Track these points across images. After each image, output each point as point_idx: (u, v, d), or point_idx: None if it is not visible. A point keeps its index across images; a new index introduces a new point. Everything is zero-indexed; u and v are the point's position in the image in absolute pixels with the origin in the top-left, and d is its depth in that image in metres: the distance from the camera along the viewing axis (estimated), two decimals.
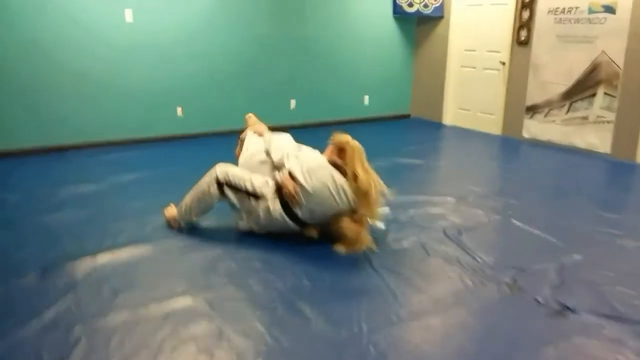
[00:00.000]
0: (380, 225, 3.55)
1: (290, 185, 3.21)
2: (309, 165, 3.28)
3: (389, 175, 5.08)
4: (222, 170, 3.42)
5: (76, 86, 5.83)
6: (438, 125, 7.76)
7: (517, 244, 3.53)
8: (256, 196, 3.33)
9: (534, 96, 6.49)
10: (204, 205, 3.51)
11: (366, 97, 7.87)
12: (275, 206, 3.27)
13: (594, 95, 5.88)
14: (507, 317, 2.62)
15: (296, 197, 3.19)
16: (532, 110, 6.53)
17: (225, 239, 3.48)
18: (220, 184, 3.38)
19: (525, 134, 6.65)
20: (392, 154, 5.92)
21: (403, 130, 7.63)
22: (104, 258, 3.19)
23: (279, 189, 3.28)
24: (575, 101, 6.04)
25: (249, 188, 3.34)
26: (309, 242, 3.38)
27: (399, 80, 8.12)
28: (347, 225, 3.20)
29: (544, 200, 4.45)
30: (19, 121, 5.64)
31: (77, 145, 5.97)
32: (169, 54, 6.26)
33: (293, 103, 7.27)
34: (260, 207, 3.32)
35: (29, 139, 5.72)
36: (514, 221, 3.88)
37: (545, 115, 6.40)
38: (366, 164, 3.32)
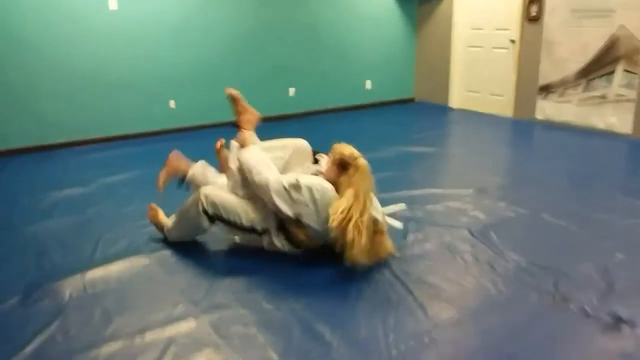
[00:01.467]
0: (398, 224, 3.21)
1: (302, 236, 2.81)
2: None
3: (399, 166, 4.80)
4: (210, 201, 2.88)
5: (59, 80, 5.45)
6: (444, 109, 7.41)
7: (551, 241, 3.20)
8: (255, 231, 2.90)
9: (547, 75, 6.13)
10: (194, 234, 3.15)
11: (368, 82, 7.49)
12: (280, 243, 2.88)
13: (612, 72, 5.53)
14: (553, 332, 2.30)
15: (307, 242, 2.83)
16: (546, 90, 6.18)
17: (228, 249, 3.15)
18: (210, 217, 2.94)
19: (539, 116, 6.31)
20: (399, 141, 5.58)
21: (408, 115, 7.28)
22: (96, 274, 2.86)
23: (282, 223, 2.81)
24: (593, 79, 5.69)
25: (245, 224, 2.87)
26: (322, 251, 3.04)
27: (401, 63, 7.74)
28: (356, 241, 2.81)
29: (569, 189, 4.12)
30: None
31: (64, 144, 5.61)
32: (158, 43, 5.87)
33: (292, 91, 6.89)
34: (263, 240, 2.94)
35: (10, 139, 5.35)
36: (543, 215, 3.55)
37: (560, 95, 6.05)
38: (371, 195, 2.80)
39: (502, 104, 6.75)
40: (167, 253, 3.10)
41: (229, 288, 2.69)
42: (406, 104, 7.85)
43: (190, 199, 3.00)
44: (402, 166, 4.68)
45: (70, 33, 5.39)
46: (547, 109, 6.22)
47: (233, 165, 2.95)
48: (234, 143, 3.06)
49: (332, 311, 2.46)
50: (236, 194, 2.93)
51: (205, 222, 2.94)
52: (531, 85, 6.32)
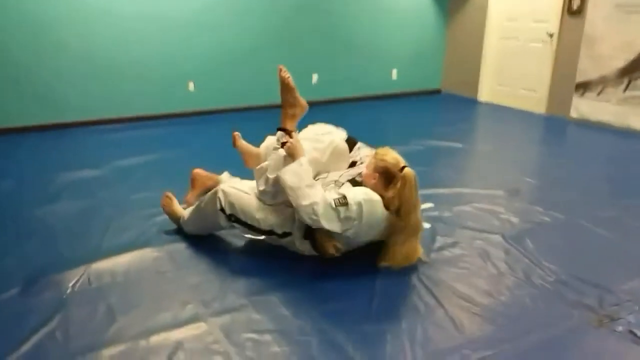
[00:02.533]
0: (425, 225, 2.98)
1: (331, 249, 2.58)
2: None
3: (425, 162, 4.48)
4: (228, 200, 2.70)
5: (77, 59, 5.28)
6: (473, 102, 7.10)
7: (593, 252, 2.94)
8: (274, 233, 2.69)
9: (586, 72, 5.80)
10: (212, 230, 2.95)
11: (394, 71, 7.21)
12: (304, 247, 2.67)
13: None
14: (597, 356, 2.07)
15: (334, 252, 2.60)
16: (583, 87, 5.86)
17: (244, 244, 2.95)
18: (229, 216, 2.74)
19: (574, 114, 5.99)
20: (425, 135, 5.31)
21: (435, 108, 7.00)
22: (102, 266, 2.68)
23: (310, 231, 2.57)
24: (636, 78, 5.36)
25: (263, 227, 2.67)
26: (345, 254, 2.82)
27: (430, 53, 7.43)
28: (399, 243, 2.60)
29: (608, 194, 3.83)
30: (15, 96, 5.12)
31: (80, 123, 5.45)
32: (180, 24, 5.66)
33: (315, 78, 6.65)
34: (282, 241, 2.72)
35: (26, 116, 5.21)
36: (582, 221, 3.29)
37: (599, 94, 5.72)
38: (418, 202, 2.62)
39: (534, 100, 6.44)
40: (178, 246, 2.91)
41: (243, 289, 2.49)
42: (432, 96, 7.56)
43: (209, 195, 2.81)
44: (429, 162, 4.43)
45: (91, 14, 5.20)
46: (583, 107, 5.89)
47: (271, 174, 2.62)
48: (280, 152, 2.62)
49: (355, 321, 2.25)
50: (261, 201, 2.69)
51: (222, 220, 2.76)
52: (567, 82, 5.99)
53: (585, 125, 5.85)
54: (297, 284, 2.52)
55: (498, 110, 6.68)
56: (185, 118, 5.92)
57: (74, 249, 2.85)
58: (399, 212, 2.51)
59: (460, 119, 6.22)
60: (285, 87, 2.68)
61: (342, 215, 2.43)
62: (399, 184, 2.48)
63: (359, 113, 6.41)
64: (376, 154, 2.59)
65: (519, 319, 2.29)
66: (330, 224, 2.43)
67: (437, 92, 7.65)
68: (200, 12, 5.70)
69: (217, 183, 3.03)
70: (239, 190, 2.74)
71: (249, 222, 2.68)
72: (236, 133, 3.09)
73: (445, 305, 2.37)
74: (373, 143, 2.91)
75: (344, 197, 2.42)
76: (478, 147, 5.04)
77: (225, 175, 3.11)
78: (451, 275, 2.63)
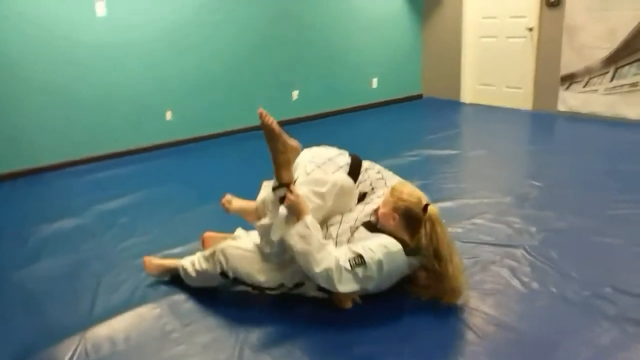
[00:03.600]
0: None
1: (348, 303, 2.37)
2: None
3: (421, 174, 4.19)
4: (231, 266, 2.43)
5: (43, 96, 4.96)
6: (456, 105, 6.97)
7: (619, 258, 2.77)
8: (284, 287, 2.45)
9: (570, 64, 5.72)
10: (219, 285, 2.65)
11: (374, 80, 7.05)
12: (317, 295, 2.44)
13: None
14: None
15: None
16: (569, 79, 5.77)
17: (252, 291, 2.67)
18: (233, 280, 2.49)
19: (562, 107, 5.90)
20: (415, 144, 5.14)
21: (419, 114, 6.85)
22: (99, 333, 2.39)
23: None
24: (622, 66, 5.29)
25: (272, 285, 2.42)
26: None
27: (408, 58, 7.28)
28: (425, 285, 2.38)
29: (616, 191, 3.68)
30: None
31: (54, 166, 5.12)
32: (151, 51, 5.39)
33: (295, 94, 6.44)
34: (295, 291, 2.48)
35: None
36: (599, 224, 3.14)
37: (585, 85, 5.64)
38: (453, 245, 2.38)
39: (519, 97, 6.33)
40: (179, 299, 2.64)
41: (259, 343, 2.24)
42: (414, 101, 7.41)
43: (207, 255, 2.53)
44: (424, 173, 4.23)
45: (54, 45, 4.90)
46: (570, 100, 5.81)
47: (274, 237, 2.31)
48: (281, 210, 2.31)
49: None
50: (266, 259, 2.41)
51: (227, 281, 2.51)
52: (552, 76, 5.91)
53: (574, 118, 5.75)
54: (317, 330, 2.28)
55: (484, 111, 6.56)
56: (164, 149, 5.64)
57: (64, 316, 2.55)
58: (437, 259, 2.25)
59: (447, 124, 6.07)
60: (270, 134, 2.27)
61: (360, 275, 2.19)
62: (427, 228, 2.24)
63: (343, 126, 6.22)
64: (393, 190, 2.34)
65: (562, 344, 2.09)
66: (347, 287, 2.20)
67: (418, 97, 7.51)
68: (170, 32, 5.43)
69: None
70: (242, 250, 2.44)
71: (256, 284, 2.42)
72: (225, 199, 2.82)
73: (481, 336, 2.16)
74: (363, 157, 2.71)
75: (360, 256, 2.17)
76: (474, 153, 4.86)
77: (239, 232, 2.80)
78: (482, 301, 2.42)
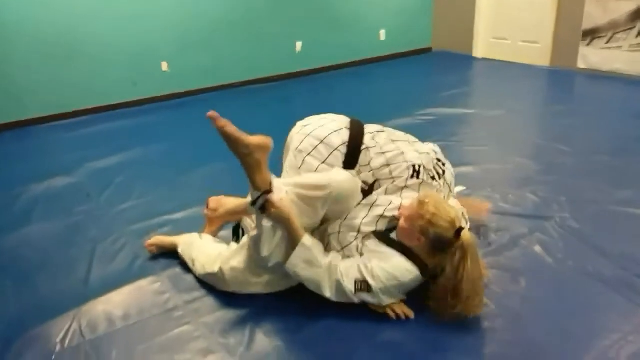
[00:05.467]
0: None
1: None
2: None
3: (437, 135, 3.81)
4: (233, 289, 2.19)
5: (32, 46, 4.60)
6: (468, 59, 6.61)
7: None
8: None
9: (593, 18, 5.35)
10: None
11: (382, 32, 6.65)
12: None
13: None
14: None
15: None
16: (591, 35, 5.42)
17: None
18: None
19: (582, 64, 5.57)
20: (429, 102, 4.83)
21: (429, 68, 6.50)
22: (95, 309, 2.19)
23: None
24: None
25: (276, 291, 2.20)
26: None
27: (418, 8, 6.85)
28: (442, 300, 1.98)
29: None
30: None
31: (43, 118, 4.82)
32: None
33: (299, 45, 6.06)
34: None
35: None
36: (636, 196, 2.90)
37: (608, 41, 5.30)
38: (478, 284, 1.93)
39: (537, 52, 5.98)
40: (181, 271, 2.41)
41: (273, 326, 2.03)
42: (423, 55, 7.03)
43: (209, 274, 2.24)
44: (443, 135, 3.93)
45: None
46: (592, 57, 5.47)
47: (272, 259, 2.02)
48: (265, 224, 1.97)
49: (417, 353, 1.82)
50: (267, 271, 2.13)
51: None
52: (573, 30, 5.54)
53: (595, 76, 5.43)
54: (337, 314, 2.05)
55: (498, 67, 6.21)
56: (161, 102, 5.32)
57: (56, 289, 2.35)
58: (453, 294, 1.88)
59: (460, 80, 5.74)
60: (227, 139, 1.88)
61: (366, 299, 1.97)
62: (455, 258, 1.86)
63: (349, 81, 5.88)
64: (422, 206, 1.91)
65: (599, 325, 1.89)
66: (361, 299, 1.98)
67: (427, 50, 7.13)
68: None
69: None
70: (240, 273, 2.15)
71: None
72: (209, 208, 2.49)
73: (518, 321, 1.96)
74: (371, 117, 2.41)
75: (366, 283, 1.92)
76: (490, 112, 4.56)
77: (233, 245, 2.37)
78: (514, 281, 2.21)
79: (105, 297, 2.25)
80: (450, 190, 2.27)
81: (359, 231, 2.02)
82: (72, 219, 2.98)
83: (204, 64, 5.48)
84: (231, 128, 1.86)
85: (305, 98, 5.22)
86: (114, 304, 2.21)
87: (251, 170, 1.91)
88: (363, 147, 2.13)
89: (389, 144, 2.16)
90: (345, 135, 2.14)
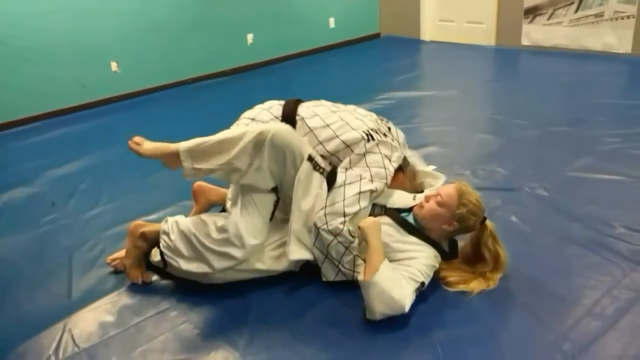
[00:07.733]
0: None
1: None
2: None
3: (405, 117, 3.97)
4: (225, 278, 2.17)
5: None
6: (416, 43, 6.74)
7: (636, 200, 2.69)
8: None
9: None
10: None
11: (331, 20, 6.68)
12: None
13: None
14: None
15: None
16: (532, 12, 5.65)
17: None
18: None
19: (525, 41, 5.80)
20: (385, 86, 4.92)
21: (380, 53, 6.58)
22: (85, 317, 2.13)
23: None
24: None
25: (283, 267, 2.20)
26: None
27: None
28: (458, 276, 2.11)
29: (603, 124, 3.65)
30: None
31: None
32: None
33: (250, 38, 6.00)
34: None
35: None
36: (605, 165, 3.03)
37: (549, 17, 5.54)
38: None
39: (482, 32, 6.18)
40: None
41: (273, 317, 2.03)
42: (372, 41, 7.12)
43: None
44: (406, 117, 4.03)
45: None
46: (534, 34, 5.71)
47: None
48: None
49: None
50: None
51: None
52: (515, 9, 5.76)
53: (539, 51, 5.68)
54: (339, 301, 2.09)
55: (446, 48, 6.37)
56: (112, 104, 5.15)
57: (39, 304, 2.24)
58: (494, 269, 2.08)
59: (411, 63, 5.87)
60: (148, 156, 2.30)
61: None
62: (489, 245, 2.06)
63: (303, 71, 5.89)
64: (463, 195, 2.00)
65: (582, 286, 2.01)
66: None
67: (376, 36, 7.22)
68: None
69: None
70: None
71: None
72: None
73: (510, 291, 2.05)
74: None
75: (423, 283, 1.94)
76: (444, 93, 4.67)
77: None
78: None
79: (94, 305, 2.18)
80: (399, 143, 2.35)
81: (344, 214, 2.03)
82: (40, 230, 2.86)
83: (154, 62, 5.34)
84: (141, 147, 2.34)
85: (260, 90, 5.17)
86: (104, 310, 2.15)
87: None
88: (298, 117, 2.22)
89: (331, 116, 2.25)
90: (277, 111, 2.26)
